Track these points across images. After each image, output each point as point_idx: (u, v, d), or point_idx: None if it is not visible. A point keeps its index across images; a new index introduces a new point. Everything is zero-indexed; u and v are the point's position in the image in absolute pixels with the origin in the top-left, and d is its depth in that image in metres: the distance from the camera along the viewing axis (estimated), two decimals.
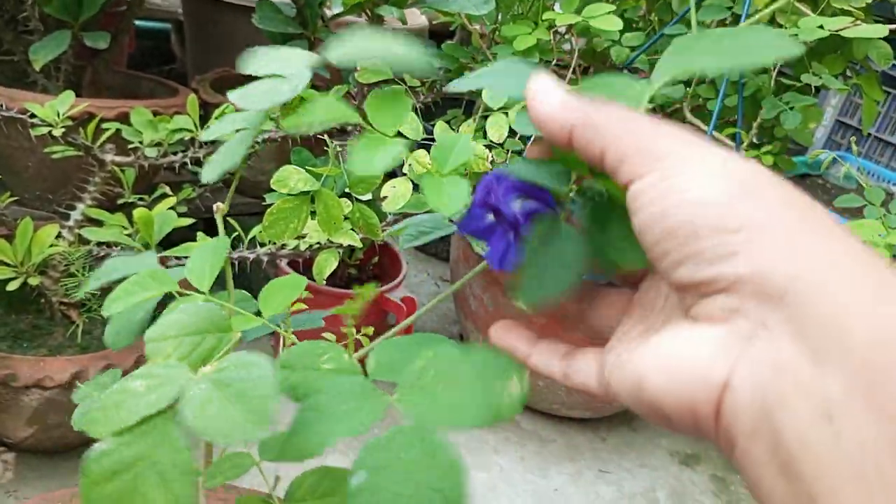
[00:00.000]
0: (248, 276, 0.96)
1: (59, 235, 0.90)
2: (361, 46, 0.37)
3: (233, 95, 0.36)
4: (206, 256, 0.38)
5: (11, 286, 0.80)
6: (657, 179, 0.28)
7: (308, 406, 0.31)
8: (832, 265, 0.25)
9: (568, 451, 1.20)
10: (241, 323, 0.34)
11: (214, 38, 1.51)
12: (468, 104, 1.42)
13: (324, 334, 0.50)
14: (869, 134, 2.28)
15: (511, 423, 1.22)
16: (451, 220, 0.39)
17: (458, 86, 0.36)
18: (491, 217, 0.35)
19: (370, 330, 0.47)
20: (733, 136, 0.98)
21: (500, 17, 1.13)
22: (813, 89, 0.97)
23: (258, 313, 0.38)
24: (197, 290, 0.37)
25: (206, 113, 1.23)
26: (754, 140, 0.98)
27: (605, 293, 0.36)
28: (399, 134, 0.38)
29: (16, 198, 0.91)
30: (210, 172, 0.37)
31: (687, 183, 0.27)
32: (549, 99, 0.31)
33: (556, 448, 1.19)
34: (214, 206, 0.39)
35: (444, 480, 0.27)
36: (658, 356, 0.28)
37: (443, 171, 0.37)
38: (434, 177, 0.36)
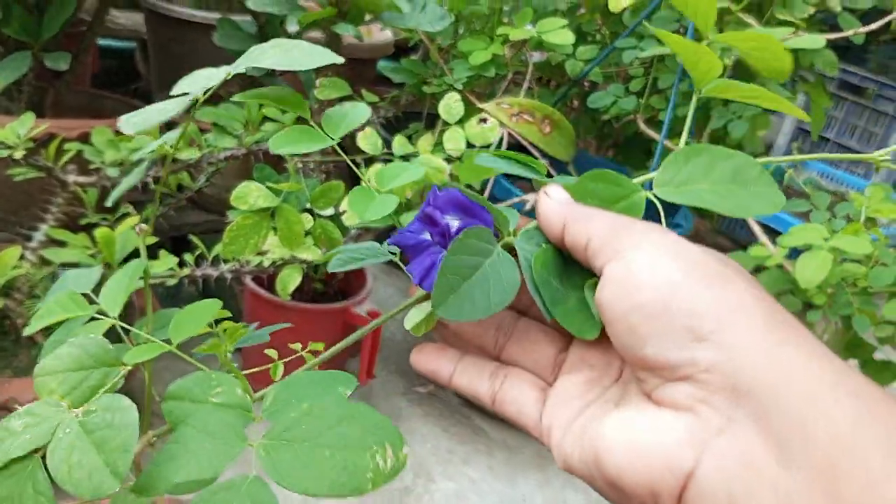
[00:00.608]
0: (213, 293, 0.97)
1: (22, 257, 0.90)
2: (270, 61, 0.38)
3: (122, 119, 0.37)
4: (121, 281, 0.38)
5: None
6: (627, 261, 0.30)
7: (173, 438, 0.31)
8: (792, 361, 0.26)
9: (536, 459, 1.21)
10: (138, 355, 0.35)
11: (177, 56, 1.51)
12: (430, 117, 1.44)
13: (266, 350, 0.51)
14: (826, 139, 2.34)
15: (480, 433, 1.23)
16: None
17: None
18: (426, 235, 0.36)
19: (320, 345, 0.48)
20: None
21: (459, 31, 1.15)
22: None
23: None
24: (106, 315, 0.38)
25: (169, 131, 1.24)
26: None
27: (527, 327, 0.37)
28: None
29: None
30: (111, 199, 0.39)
31: (654, 262, 0.29)
32: (557, 196, 0.34)
33: (524, 457, 1.21)
34: (137, 228, 0.40)
35: None
36: (621, 436, 0.29)
37: (381, 189, 0.38)
38: (368, 191, 0.37)
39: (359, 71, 1.60)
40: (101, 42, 1.83)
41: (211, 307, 0.39)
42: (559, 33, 0.95)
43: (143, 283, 0.40)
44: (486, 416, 1.27)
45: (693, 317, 0.27)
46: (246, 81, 1.27)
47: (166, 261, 0.91)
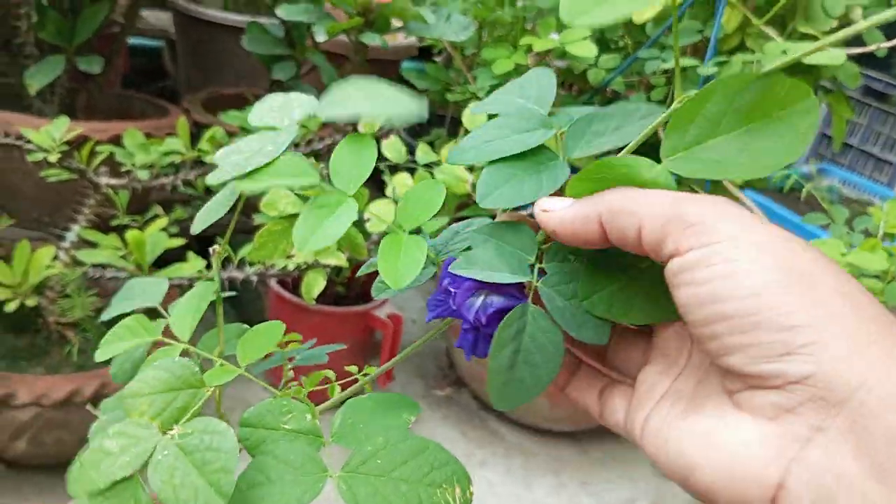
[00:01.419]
0: (239, 293, 0.99)
1: (55, 257, 0.92)
2: (355, 106, 0.39)
3: (218, 153, 0.38)
4: (190, 305, 0.40)
5: (9, 307, 0.83)
6: (702, 257, 0.28)
7: (254, 466, 0.33)
8: (886, 370, 0.25)
9: (552, 463, 1.22)
10: (216, 378, 0.36)
11: (206, 57, 1.54)
12: (452, 122, 1.45)
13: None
14: (850, 146, 2.33)
15: (497, 437, 1.25)
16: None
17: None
18: (455, 305, 0.36)
19: (354, 368, 0.49)
20: None
21: (483, 36, 1.17)
22: None
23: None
24: (178, 340, 0.40)
25: (197, 132, 1.26)
26: None
27: (623, 333, 0.36)
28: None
29: (13, 220, 0.94)
30: (197, 226, 0.40)
31: (735, 266, 0.27)
32: (558, 205, 0.33)
33: (540, 461, 1.22)
34: (211, 250, 0.41)
35: None
36: (707, 452, 0.28)
37: (406, 227, 0.38)
38: (395, 236, 0.37)
39: (382, 71, 1.62)
40: (131, 41, 1.86)
41: (276, 330, 0.41)
42: (582, 45, 0.96)
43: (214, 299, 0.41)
44: (503, 420, 1.28)
45: (783, 331, 0.26)
46: (275, 87, 1.30)
47: (194, 263, 0.93)
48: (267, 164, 0.39)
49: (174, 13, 1.56)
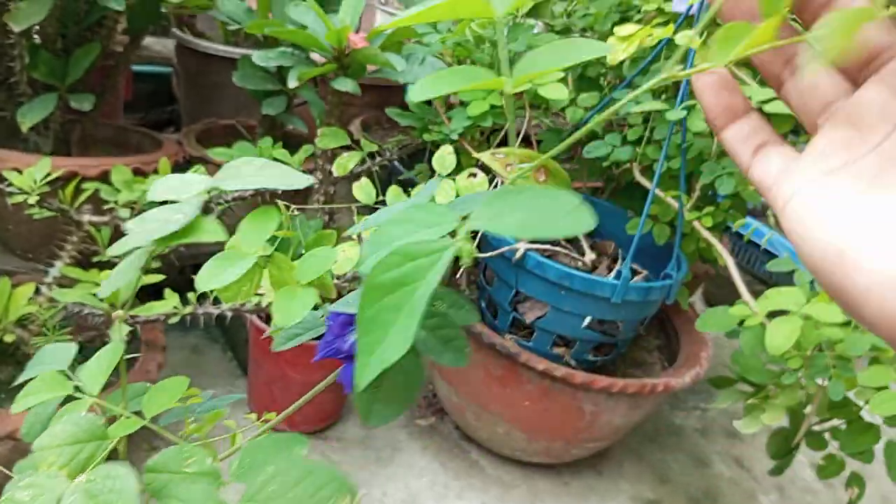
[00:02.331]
0: (227, 322, 1.02)
1: (38, 291, 0.96)
2: (245, 181, 0.43)
3: (128, 224, 0.41)
4: (100, 363, 0.43)
5: None
6: None
7: None
8: None
9: (530, 496, 1.23)
10: (119, 430, 0.39)
11: (205, 87, 1.58)
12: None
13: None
14: None
15: (476, 468, 1.26)
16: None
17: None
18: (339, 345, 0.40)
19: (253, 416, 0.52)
20: (677, 197, 1.02)
21: None
22: None
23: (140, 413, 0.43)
24: (88, 395, 0.42)
25: (189, 166, 1.30)
26: (698, 203, 1.03)
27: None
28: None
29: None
30: (106, 289, 0.43)
31: None
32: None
33: (518, 493, 1.23)
34: (113, 315, 0.44)
35: None
36: (885, 232, 0.25)
37: (302, 281, 0.42)
38: (290, 288, 0.41)
39: (386, 97, 1.64)
40: (138, 67, 1.91)
41: (180, 384, 0.46)
42: (554, 87, 0.97)
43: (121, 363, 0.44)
44: (483, 451, 1.29)
45: None
46: (266, 120, 1.33)
47: (171, 300, 0.96)
48: (185, 228, 0.43)
49: (176, 45, 1.61)
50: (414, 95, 0.35)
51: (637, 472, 1.36)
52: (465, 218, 0.33)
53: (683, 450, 1.46)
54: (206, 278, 0.39)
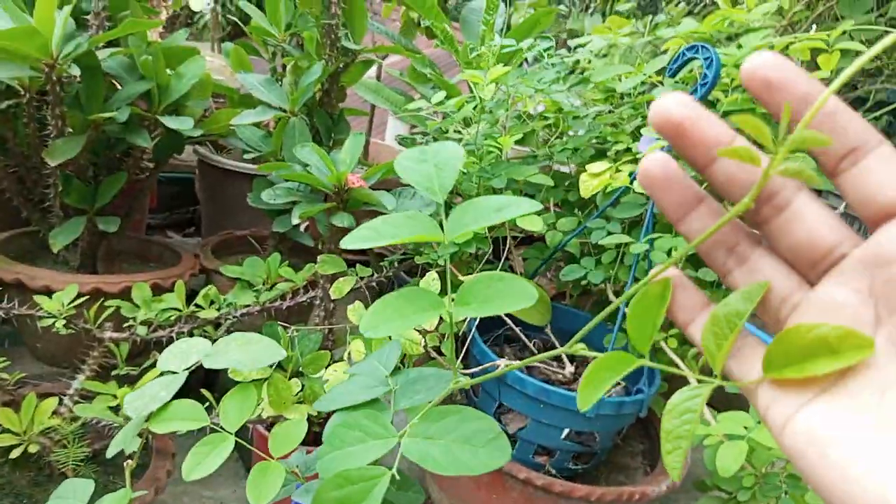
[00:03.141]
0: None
1: (60, 401, 1.06)
2: (230, 359, 0.52)
3: (126, 398, 0.51)
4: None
5: (14, 454, 0.96)
6: None
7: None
8: None
9: None
10: None
11: (224, 198, 1.71)
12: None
13: None
14: None
15: None
16: None
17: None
18: None
19: None
20: None
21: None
22: None
23: None
24: None
25: (207, 278, 1.41)
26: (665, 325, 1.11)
27: (760, 261, 0.35)
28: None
29: (25, 374, 1.08)
30: (112, 451, 0.53)
31: None
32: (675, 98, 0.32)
33: None
34: (125, 463, 0.54)
35: None
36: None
37: (277, 450, 0.52)
38: (265, 465, 0.51)
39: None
40: (164, 174, 2.06)
41: None
42: (530, 220, 1.08)
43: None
44: None
45: None
46: (277, 234, 1.44)
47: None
48: (162, 408, 0.53)
49: (197, 160, 1.75)
50: (346, 244, 0.41)
51: None
52: (402, 436, 0.41)
53: None
54: (190, 469, 0.48)
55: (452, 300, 0.41)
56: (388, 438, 0.46)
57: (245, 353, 0.51)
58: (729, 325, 0.33)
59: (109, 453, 0.50)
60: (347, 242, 0.41)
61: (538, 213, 1.12)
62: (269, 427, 1.21)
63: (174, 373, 0.54)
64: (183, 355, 0.53)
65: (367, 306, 1.08)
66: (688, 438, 0.35)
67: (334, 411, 0.52)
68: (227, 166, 1.63)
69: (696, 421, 0.36)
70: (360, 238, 0.41)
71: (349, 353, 1.00)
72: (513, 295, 0.39)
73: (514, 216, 0.41)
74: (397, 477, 0.42)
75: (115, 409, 1.00)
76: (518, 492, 1.15)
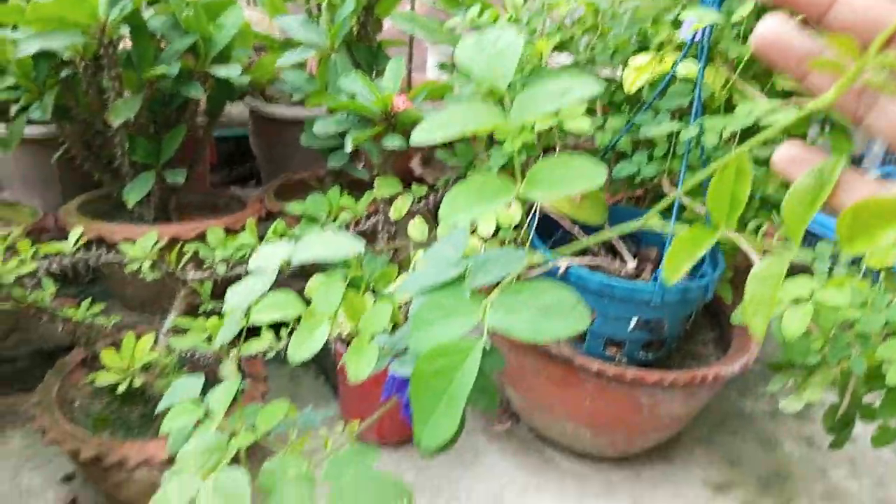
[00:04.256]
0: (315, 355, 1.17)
1: (156, 341, 1.14)
2: (314, 252, 0.57)
3: (227, 295, 0.56)
4: (223, 393, 0.58)
5: (120, 388, 1.05)
6: None
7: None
8: None
9: (604, 487, 1.34)
10: (239, 443, 0.54)
11: (278, 146, 1.76)
12: None
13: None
14: None
15: (551, 464, 1.38)
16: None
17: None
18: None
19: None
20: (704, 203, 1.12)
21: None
22: None
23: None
24: (215, 417, 0.57)
25: (269, 219, 1.47)
26: None
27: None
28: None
29: (120, 316, 1.16)
30: (219, 340, 0.58)
31: None
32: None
33: (593, 486, 1.34)
34: (230, 353, 0.59)
35: None
36: None
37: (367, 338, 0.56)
38: (360, 341, 0.55)
39: None
40: (219, 132, 2.12)
41: (283, 406, 0.60)
42: (578, 120, 1.09)
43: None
44: (557, 449, 1.41)
45: None
46: (333, 171, 1.49)
47: (266, 337, 1.13)
48: (258, 300, 0.58)
49: (249, 112, 1.80)
50: (416, 137, 0.41)
51: (708, 458, 1.45)
52: (484, 311, 0.44)
53: (753, 433, 1.54)
54: (294, 350, 0.53)
55: (522, 181, 0.42)
56: (471, 314, 0.48)
57: (326, 247, 0.55)
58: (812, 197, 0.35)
59: (217, 343, 0.56)
60: (416, 136, 0.41)
61: (587, 113, 1.13)
62: (349, 344, 1.28)
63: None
64: (271, 255, 0.58)
65: (427, 223, 1.12)
66: (770, 304, 0.38)
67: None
68: (278, 116, 1.68)
69: (777, 285, 0.39)
70: (429, 129, 0.41)
71: (414, 266, 1.05)
72: (582, 175, 0.40)
73: (580, 98, 0.41)
74: (488, 347, 0.44)
75: (208, 339, 1.07)
76: (592, 384, 1.19)
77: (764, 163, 1.15)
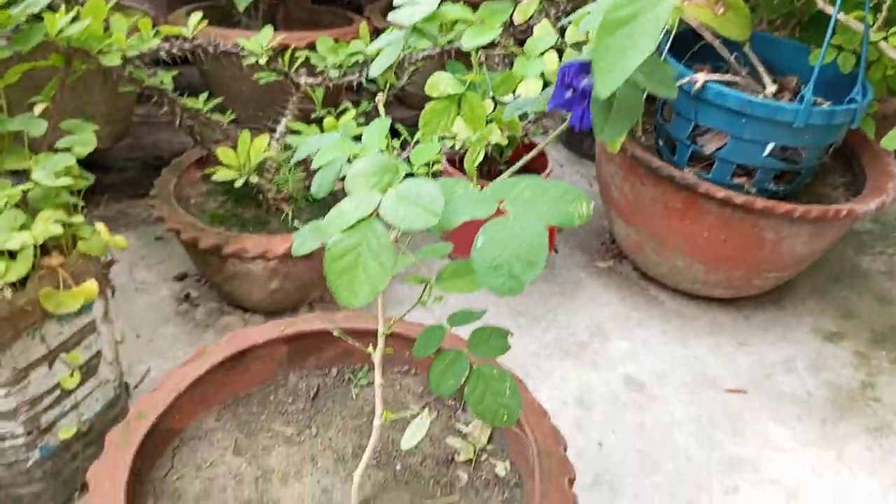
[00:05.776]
0: None
1: (269, 143, 1.12)
2: None
3: (391, 16, 0.52)
4: (374, 132, 0.55)
5: (237, 184, 1.04)
6: None
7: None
8: None
9: (709, 326, 1.30)
10: (402, 168, 0.51)
11: None
12: None
13: None
14: None
15: (655, 302, 1.34)
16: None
17: None
18: (569, 94, 0.49)
19: None
20: (862, 19, 1.01)
21: None
22: None
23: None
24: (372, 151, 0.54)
25: (377, 37, 1.41)
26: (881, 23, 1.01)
27: None
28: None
29: (234, 117, 1.14)
30: (374, 69, 0.55)
31: None
32: None
33: (698, 324, 1.30)
34: (377, 98, 0.56)
35: (526, 246, 0.42)
36: None
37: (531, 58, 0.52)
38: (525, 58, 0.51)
39: None
40: None
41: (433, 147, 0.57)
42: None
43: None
44: (662, 288, 1.37)
45: None
46: None
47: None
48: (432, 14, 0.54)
49: None
50: None
51: (821, 308, 1.39)
52: None
53: (869, 289, 1.46)
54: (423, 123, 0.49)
55: None
56: None
57: None
58: None
59: (373, 73, 0.52)
60: None
61: None
62: (459, 161, 1.24)
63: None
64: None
65: (553, 26, 1.05)
66: None
67: None
68: None
69: None
70: None
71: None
72: None
73: None
74: None
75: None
76: (714, 214, 1.13)
77: None
